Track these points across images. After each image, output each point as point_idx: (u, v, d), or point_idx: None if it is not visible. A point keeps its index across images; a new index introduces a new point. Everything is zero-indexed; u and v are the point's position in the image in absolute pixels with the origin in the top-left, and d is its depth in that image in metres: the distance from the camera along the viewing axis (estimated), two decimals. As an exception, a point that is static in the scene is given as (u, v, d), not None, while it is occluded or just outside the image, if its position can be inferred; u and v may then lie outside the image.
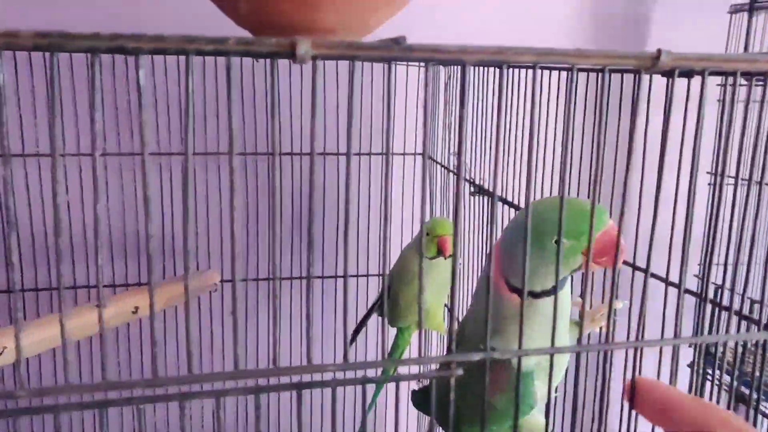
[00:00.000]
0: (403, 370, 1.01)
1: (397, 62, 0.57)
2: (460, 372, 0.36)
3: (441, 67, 1.05)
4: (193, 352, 0.32)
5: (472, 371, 0.40)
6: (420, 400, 0.77)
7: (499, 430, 0.61)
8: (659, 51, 0.35)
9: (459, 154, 0.35)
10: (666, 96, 0.38)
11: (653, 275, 0.54)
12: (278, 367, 0.32)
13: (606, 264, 0.53)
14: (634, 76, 0.55)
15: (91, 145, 0.34)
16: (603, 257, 0.52)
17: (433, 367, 0.97)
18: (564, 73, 0.73)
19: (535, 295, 0.55)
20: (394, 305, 0.94)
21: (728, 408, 0.51)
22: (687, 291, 0.51)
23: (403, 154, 1.15)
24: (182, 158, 1.04)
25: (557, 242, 0.42)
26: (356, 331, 0.99)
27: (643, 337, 0.41)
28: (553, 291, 0.54)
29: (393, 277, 0.94)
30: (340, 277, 1.15)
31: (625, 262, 0.60)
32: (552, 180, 0.75)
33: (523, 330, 0.37)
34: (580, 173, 0.70)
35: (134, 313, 0.93)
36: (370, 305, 1.03)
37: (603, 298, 0.68)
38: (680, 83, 0.37)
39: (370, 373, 0.36)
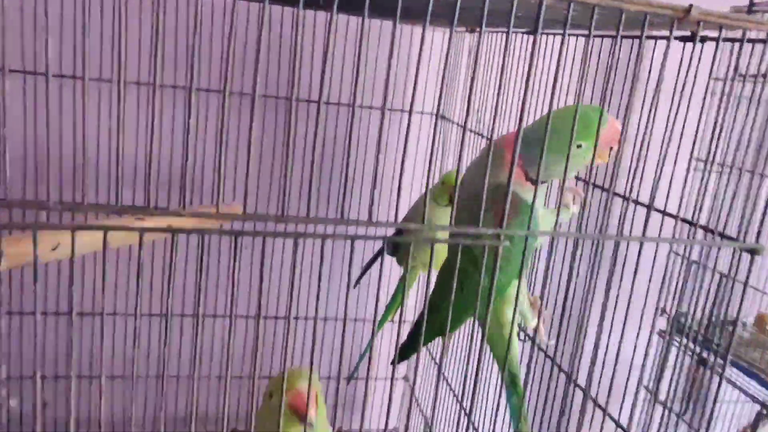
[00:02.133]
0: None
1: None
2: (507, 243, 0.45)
3: (466, 33, 1.13)
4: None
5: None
6: None
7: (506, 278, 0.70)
8: (690, 6, 0.44)
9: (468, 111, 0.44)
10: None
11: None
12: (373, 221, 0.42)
13: (606, 156, 0.66)
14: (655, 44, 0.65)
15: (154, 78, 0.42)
16: (606, 149, 0.65)
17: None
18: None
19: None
20: (402, 244, 1.03)
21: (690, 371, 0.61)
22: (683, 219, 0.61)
23: (421, 112, 1.23)
24: (219, 95, 1.11)
25: (579, 146, 0.62)
26: (363, 272, 1.08)
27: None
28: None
29: (405, 221, 1.03)
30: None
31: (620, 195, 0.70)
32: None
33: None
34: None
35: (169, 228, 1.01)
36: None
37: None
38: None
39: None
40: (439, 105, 0.77)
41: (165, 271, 1.15)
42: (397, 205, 0.51)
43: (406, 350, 0.79)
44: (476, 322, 0.69)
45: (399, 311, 1.28)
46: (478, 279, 0.59)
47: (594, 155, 0.53)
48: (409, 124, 0.48)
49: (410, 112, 0.46)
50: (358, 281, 1.11)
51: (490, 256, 0.52)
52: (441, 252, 1.03)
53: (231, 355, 0.46)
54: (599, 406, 0.78)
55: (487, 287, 0.54)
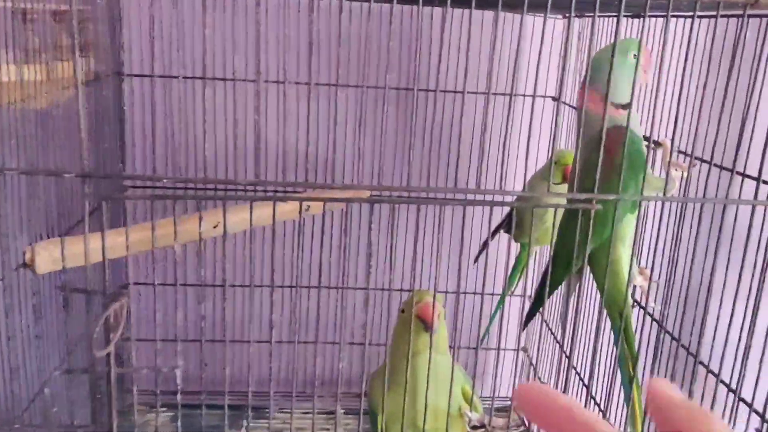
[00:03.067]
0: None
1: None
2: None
3: (576, 19, 1.18)
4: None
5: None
6: None
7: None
8: (762, -9, 0.49)
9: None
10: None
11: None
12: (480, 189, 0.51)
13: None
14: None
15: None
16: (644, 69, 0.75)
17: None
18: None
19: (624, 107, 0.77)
20: (518, 223, 1.10)
21: None
22: None
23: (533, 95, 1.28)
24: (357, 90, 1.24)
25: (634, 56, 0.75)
26: (482, 249, 1.16)
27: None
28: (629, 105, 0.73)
29: (520, 199, 1.10)
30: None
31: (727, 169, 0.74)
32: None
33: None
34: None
35: (306, 210, 1.15)
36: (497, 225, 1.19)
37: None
38: None
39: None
40: (560, 89, 0.84)
41: (299, 244, 1.29)
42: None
43: (531, 311, 0.87)
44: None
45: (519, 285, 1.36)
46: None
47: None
48: (532, 109, 0.55)
49: (534, 96, 0.54)
50: (477, 258, 1.19)
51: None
52: (551, 229, 1.10)
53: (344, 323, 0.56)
54: (711, 372, 0.82)
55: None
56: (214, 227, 1.04)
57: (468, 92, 1.27)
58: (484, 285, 1.35)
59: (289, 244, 1.27)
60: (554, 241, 0.79)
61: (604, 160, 0.68)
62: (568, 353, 0.76)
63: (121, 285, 0.48)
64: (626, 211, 0.75)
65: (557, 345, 1.23)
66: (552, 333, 1.24)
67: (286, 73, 1.24)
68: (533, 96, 1.29)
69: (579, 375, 1.10)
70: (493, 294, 1.35)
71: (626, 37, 0.95)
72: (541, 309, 0.86)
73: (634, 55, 0.76)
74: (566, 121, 1.23)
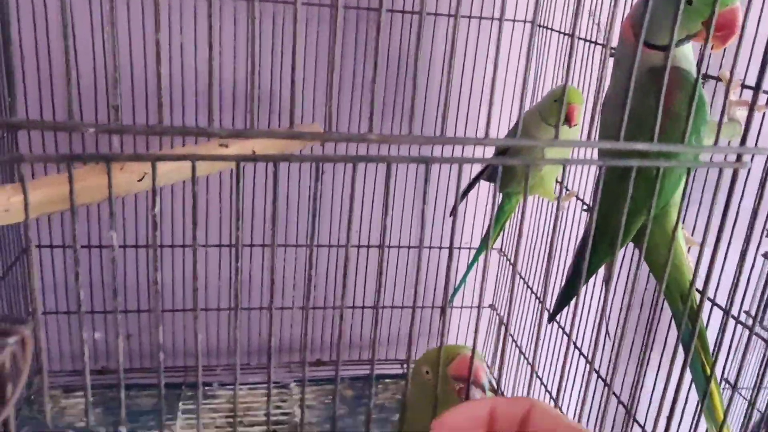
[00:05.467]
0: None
1: None
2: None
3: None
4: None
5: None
6: None
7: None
8: None
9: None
10: None
11: None
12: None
13: (719, 42, 0.55)
14: None
15: None
16: (720, 32, 0.55)
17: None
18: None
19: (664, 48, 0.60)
20: (506, 169, 0.94)
21: None
22: None
23: (513, 20, 1.11)
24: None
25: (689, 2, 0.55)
26: (464, 194, 1.00)
27: None
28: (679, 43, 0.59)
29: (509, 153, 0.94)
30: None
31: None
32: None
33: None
34: None
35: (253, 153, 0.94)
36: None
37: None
38: None
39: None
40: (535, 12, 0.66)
41: (236, 201, 1.10)
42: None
43: (564, 296, 0.71)
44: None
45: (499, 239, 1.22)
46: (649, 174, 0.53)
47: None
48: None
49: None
50: (454, 210, 1.04)
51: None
52: (546, 177, 0.95)
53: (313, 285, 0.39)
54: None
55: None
56: (140, 180, 0.83)
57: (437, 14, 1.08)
58: (452, 239, 1.21)
59: (215, 198, 1.07)
60: (594, 214, 0.63)
61: (655, 107, 0.53)
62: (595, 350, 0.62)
63: (17, 319, 0.27)
64: (684, 170, 0.60)
65: (537, 303, 1.10)
66: (532, 291, 1.11)
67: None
68: (523, 21, 1.14)
69: (581, 352, 0.98)
70: (460, 248, 1.21)
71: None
72: (573, 299, 0.71)
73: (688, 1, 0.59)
74: (554, 49, 1.07)
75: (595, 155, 0.97)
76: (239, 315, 0.38)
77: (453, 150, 1.11)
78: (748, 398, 1.00)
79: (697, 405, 0.70)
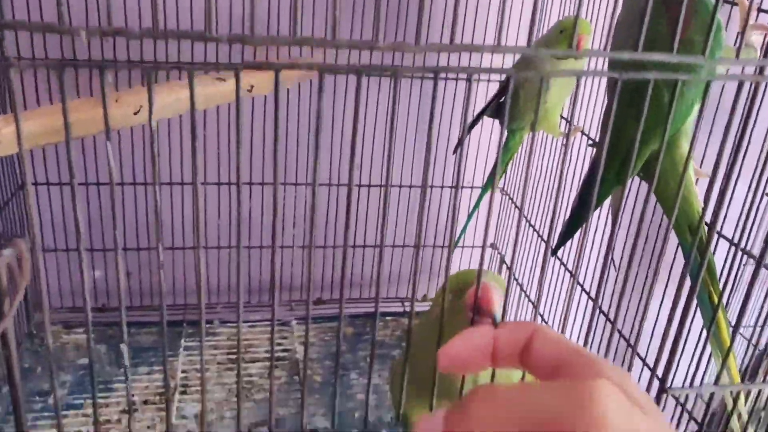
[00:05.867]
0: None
1: None
2: None
3: None
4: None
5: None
6: None
7: None
8: None
9: None
10: None
11: None
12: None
13: None
14: None
15: None
16: None
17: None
18: None
19: None
20: (512, 105, 0.92)
21: None
22: None
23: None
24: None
25: None
26: (469, 128, 0.98)
27: None
28: None
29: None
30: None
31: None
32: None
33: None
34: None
35: (249, 91, 0.92)
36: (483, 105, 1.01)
37: None
38: None
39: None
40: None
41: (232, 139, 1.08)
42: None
43: (569, 228, 0.70)
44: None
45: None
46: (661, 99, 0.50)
47: None
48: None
49: None
50: (458, 147, 1.02)
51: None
52: (551, 111, 0.93)
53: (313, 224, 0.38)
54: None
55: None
56: (136, 113, 0.81)
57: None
58: (457, 175, 1.20)
59: (213, 134, 1.05)
60: (606, 138, 0.61)
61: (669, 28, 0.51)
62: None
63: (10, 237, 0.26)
64: (699, 93, 0.58)
65: (539, 242, 1.10)
66: (534, 230, 1.10)
67: None
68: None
69: (585, 290, 0.98)
70: (463, 187, 1.20)
71: None
72: (579, 228, 0.69)
73: None
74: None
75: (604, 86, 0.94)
76: (240, 253, 0.37)
77: (459, 58, 1.06)
78: (749, 337, 1.00)
79: (699, 339, 0.70)
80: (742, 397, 0.60)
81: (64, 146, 0.74)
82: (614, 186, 0.63)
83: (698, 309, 0.64)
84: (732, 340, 0.52)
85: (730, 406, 0.55)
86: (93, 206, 1.08)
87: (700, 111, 0.45)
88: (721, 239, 0.73)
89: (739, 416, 0.61)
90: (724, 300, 0.88)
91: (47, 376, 0.98)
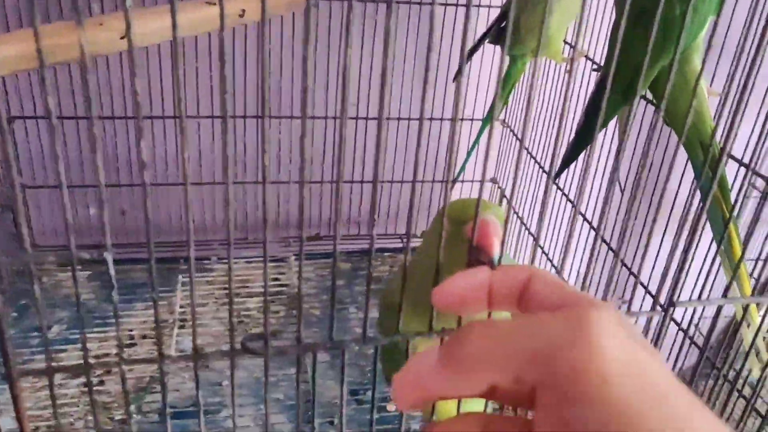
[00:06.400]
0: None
1: None
2: None
3: None
4: None
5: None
6: None
7: None
8: None
9: None
10: None
11: None
12: None
13: None
14: None
15: None
16: None
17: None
18: None
19: None
20: (513, 30, 0.88)
21: None
22: None
23: None
24: None
25: None
26: (469, 55, 0.95)
27: None
28: None
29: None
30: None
31: None
32: None
33: None
34: None
35: (240, 16, 0.88)
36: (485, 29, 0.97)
37: None
38: None
39: None
40: None
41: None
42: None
43: (573, 150, 0.67)
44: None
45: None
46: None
47: None
48: None
49: None
50: (457, 75, 0.99)
51: None
52: (554, 35, 0.89)
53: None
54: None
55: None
56: (122, 38, 0.77)
57: None
58: (456, 106, 1.16)
59: (205, 65, 1.01)
60: (615, 54, 0.57)
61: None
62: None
63: None
64: (714, 4, 0.55)
65: (541, 175, 1.07)
66: (536, 161, 1.08)
67: None
68: None
69: (586, 219, 0.96)
70: (463, 119, 1.17)
71: None
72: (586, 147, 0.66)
73: None
74: None
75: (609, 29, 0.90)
76: (231, 189, 0.34)
77: None
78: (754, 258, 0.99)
79: (702, 266, 0.68)
80: (753, 310, 0.59)
81: (54, 78, 0.72)
82: (621, 105, 0.60)
83: (708, 224, 0.62)
84: (743, 251, 0.50)
85: (739, 318, 0.53)
86: (84, 140, 1.06)
87: (715, 25, 0.42)
88: (730, 160, 0.70)
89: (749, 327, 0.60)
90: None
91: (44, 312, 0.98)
